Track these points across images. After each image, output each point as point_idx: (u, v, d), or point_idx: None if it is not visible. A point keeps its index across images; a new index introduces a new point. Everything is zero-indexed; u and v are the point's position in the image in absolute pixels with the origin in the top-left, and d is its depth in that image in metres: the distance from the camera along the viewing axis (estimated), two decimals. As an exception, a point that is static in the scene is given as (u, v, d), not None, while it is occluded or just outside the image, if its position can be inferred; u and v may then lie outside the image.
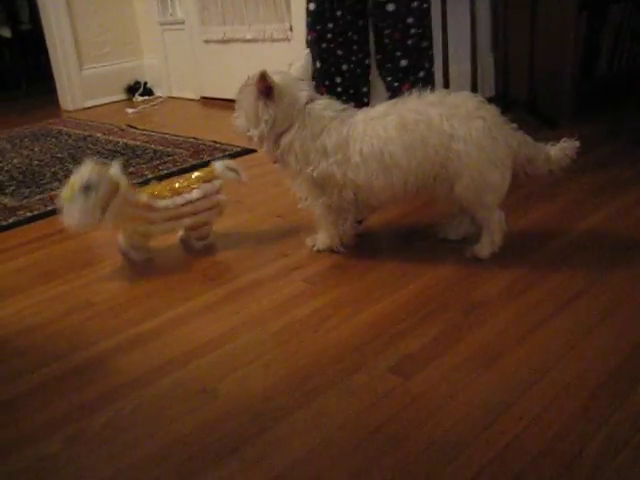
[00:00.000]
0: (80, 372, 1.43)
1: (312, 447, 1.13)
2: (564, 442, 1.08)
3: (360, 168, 1.65)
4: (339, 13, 2.16)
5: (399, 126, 1.62)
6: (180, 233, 2.01)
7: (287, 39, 3.65)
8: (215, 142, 3.17)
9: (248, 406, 1.26)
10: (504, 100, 3.10)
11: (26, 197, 2.67)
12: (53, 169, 3.05)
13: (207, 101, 4.25)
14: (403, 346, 1.39)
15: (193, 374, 1.38)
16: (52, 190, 2.71)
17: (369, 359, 1.36)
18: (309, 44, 2.22)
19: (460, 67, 3.04)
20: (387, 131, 1.63)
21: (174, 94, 4.63)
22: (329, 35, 2.17)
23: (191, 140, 3.28)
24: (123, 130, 3.73)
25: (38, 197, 2.65)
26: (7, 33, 5.33)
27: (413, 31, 2.12)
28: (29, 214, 2.46)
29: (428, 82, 2.19)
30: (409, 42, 2.12)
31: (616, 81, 3.38)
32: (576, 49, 3.00)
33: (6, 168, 3.15)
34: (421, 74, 2.19)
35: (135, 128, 3.74)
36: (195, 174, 1.94)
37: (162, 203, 1.85)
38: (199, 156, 2.97)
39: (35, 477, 1.14)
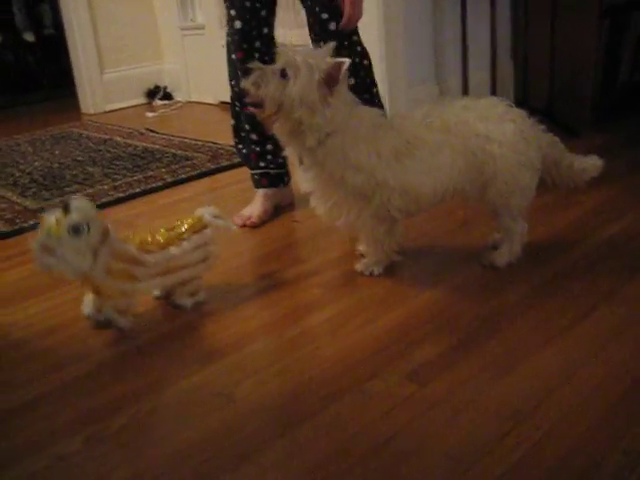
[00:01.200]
0: (98, 374, 1.44)
1: (328, 454, 1.13)
2: (582, 454, 1.08)
3: (410, 172, 1.61)
4: (266, 31, 2.10)
5: (443, 130, 1.62)
6: (156, 293, 1.74)
7: (308, 44, 3.66)
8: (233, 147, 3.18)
9: (264, 411, 1.26)
10: (523, 108, 3.09)
11: (46, 200, 2.70)
12: (74, 172, 3.08)
13: (226, 106, 4.25)
14: (420, 353, 1.39)
15: (210, 378, 1.39)
16: (72, 193, 2.74)
17: (385, 366, 1.36)
18: (234, 64, 2.13)
19: (479, 75, 3.03)
20: (433, 134, 1.61)
21: (193, 98, 4.65)
22: (256, 55, 2.07)
23: (210, 144, 3.29)
24: (143, 134, 3.76)
25: (58, 199, 2.68)
26: (31, 37, 5.39)
27: (359, 49, 2.08)
28: (49, 216, 2.48)
29: (374, 103, 2.12)
30: (356, 59, 2.06)
31: (637, 89, 3.35)
32: (597, 57, 2.98)
33: (27, 171, 3.18)
34: (366, 96, 2.10)
35: (155, 132, 3.77)
36: (183, 222, 1.69)
37: (152, 258, 1.59)
38: (218, 161, 2.98)
39: (56, 476, 1.16)
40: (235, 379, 1.37)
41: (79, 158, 3.35)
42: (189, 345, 1.53)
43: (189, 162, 3.03)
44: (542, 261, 1.76)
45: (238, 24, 2.06)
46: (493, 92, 2.87)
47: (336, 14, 1.96)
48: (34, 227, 2.35)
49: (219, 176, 2.80)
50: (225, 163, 2.92)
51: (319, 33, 2.03)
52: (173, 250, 1.62)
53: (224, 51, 2.17)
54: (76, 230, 1.45)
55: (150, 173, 2.91)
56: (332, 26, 1.99)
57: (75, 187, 2.82)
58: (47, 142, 3.81)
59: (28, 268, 2.05)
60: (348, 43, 2.02)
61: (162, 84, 4.84)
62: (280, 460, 1.13)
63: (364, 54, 2.11)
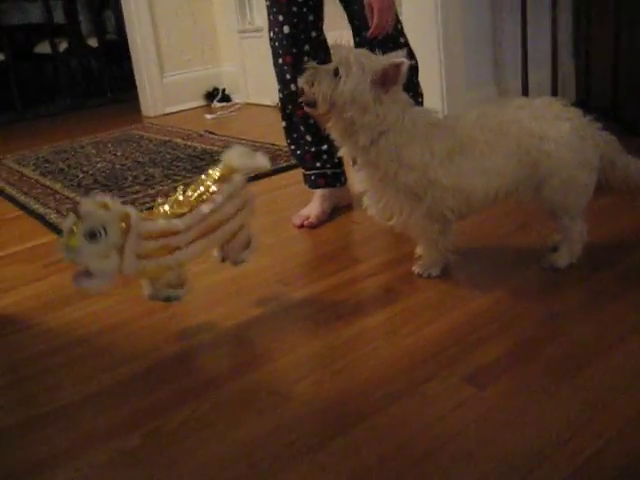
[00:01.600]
0: (157, 371, 1.47)
1: (383, 455, 1.13)
2: (646, 461, 1.05)
3: (463, 171, 1.60)
4: (314, 34, 2.12)
5: (497, 130, 1.60)
6: (215, 254, 1.71)
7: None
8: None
9: (321, 410, 1.27)
10: (585, 106, 3.02)
11: (109, 200, 2.76)
12: (134, 173, 3.15)
13: (283, 108, 4.30)
14: (478, 356, 1.38)
15: (266, 377, 1.40)
16: (134, 194, 2.80)
17: (443, 368, 1.35)
18: (282, 68, 2.15)
19: (539, 75, 2.98)
20: (486, 134, 1.60)
21: (251, 100, 4.70)
22: (305, 58, 2.08)
23: (268, 146, 3.32)
24: (202, 136, 3.82)
25: (120, 200, 2.73)
26: (94, 43, 5.53)
27: (402, 40, 2.08)
28: (112, 217, 2.54)
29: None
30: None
31: None
32: (663, 55, 2.90)
33: (90, 172, 3.26)
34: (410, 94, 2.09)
35: (213, 134, 3.82)
36: (209, 174, 1.60)
37: (183, 222, 1.51)
38: (276, 162, 3.00)
39: (116, 470, 1.19)
40: (291, 379, 1.38)
41: (140, 159, 3.42)
42: (246, 344, 1.54)
43: (247, 163, 3.05)
44: (604, 264, 1.71)
45: (286, 29, 2.09)
46: (554, 93, 2.81)
47: (367, 22, 1.96)
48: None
49: (277, 177, 2.82)
50: (284, 164, 2.94)
51: (359, 41, 2.08)
52: (204, 208, 1.54)
53: None
54: (92, 236, 1.36)
55: (209, 174, 2.95)
56: (366, 33, 1.98)
57: (136, 188, 2.89)
58: (109, 144, 3.91)
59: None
60: (393, 45, 1.98)
61: (221, 86, 4.90)
62: (335, 461, 1.13)
63: (411, 55, 2.09)
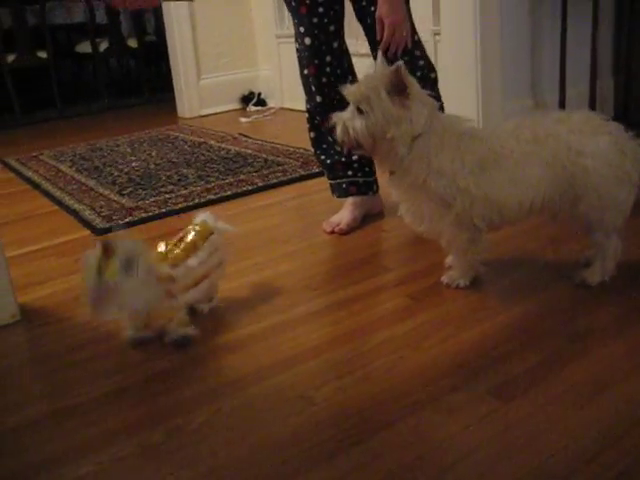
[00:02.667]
0: (182, 370, 1.48)
1: (404, 463, 1.12)
2: (672, 484, 1.03)
3: (495, 182, 1.59)
4: (335, 45, 2.10)
5: (532, 141, 1.59)
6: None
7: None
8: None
9: (345, 416, 1.26)
10: (624, 123, 2.99)
11: (142, 199, 2.79)
12: (168, 173, 3.18)
13: (318, 114, 4.31)
14: (504, 369, 1.36)
15: (292, 380, 1.41)
16: (167, 193, 2.83)
17: (468, 380, 1.34)
18: (307, 79, 2.15)
19: (576, 90, 2.95)
20: (521, 145, 1.59)
21: (286, 105, 4.72)
22: (328, 69, 2.10)
23: (301, 151, 3.33)
24: (236, 138, 3.84)
25: (153, 199, 2.77)
26: (134, 44, 5.60)
27: (421, 63, 2.06)
28: (144, 215, 2.57)
29: None
30: (418, 74, 2.01)
31: None
32: None
33: (125, 170, 3.30)
34: None
35: (247, 137, 3.84)
36: (190, 234, 1.66)
37: (179, 271, 1.57)
38: (308, 167, 3.01)
39: (138, 463, 1.20)
40: (316, 383, 1.38)
41: (174, 160, 3.45)
42: (273, 347, 1.55)
43: (280, 167, 3.07)
44: (637, 284, 1.69)
45: (308, 40, 2.07)
46: (592, 108, 2.78)
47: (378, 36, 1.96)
48: (129, 225, 2.46)
49: (309, 182, 2.83)
50: (316, 170, 2.94)
51: (375, 55, 2.00)
52: (191, 261, 1.60)
53: None
54: (130, 266, 1.38)
55: (242, 177, 2.97)
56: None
57: (170, 187, 2.91)
58: (145, 144, 3.95)
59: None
60: (409, 58, 1.99)
61: (256, 90, 4.93)
62: (355, 467, 1.13)
63: (429, 68, 2.08)
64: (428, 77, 2.06)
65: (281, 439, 1.22)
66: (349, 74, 2.16)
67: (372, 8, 1.98)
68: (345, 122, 1.61)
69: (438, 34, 3.23)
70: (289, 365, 1.46)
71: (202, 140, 3.88)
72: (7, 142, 4.46)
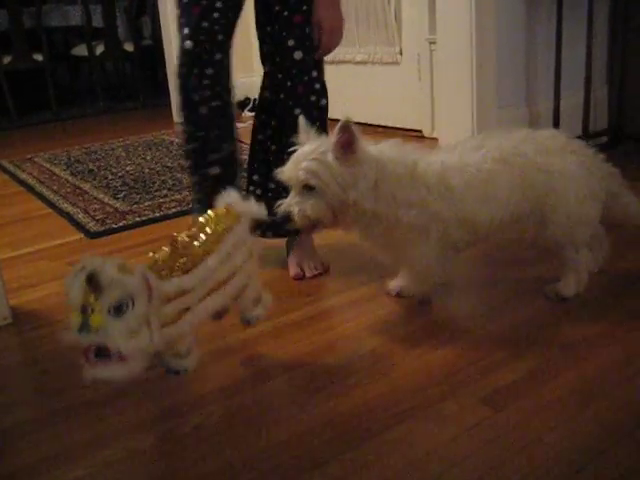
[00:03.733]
0: (172, 377, 1.47)
1: (395, 471, 1.12)
2: (662, 494, 1.03)
3: (465, 199, 1.55)
4: (218, 57, 1.83)
5: (500, 160, 1.56)
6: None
7: (396, 62, 3.67)
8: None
9: (336, 423, 1.26)
10: (617, 133, 3.00)
11: (136, 202, 2.79)
12: (163, 177, 3.18)
13: (313, 120, 4.31)
14: (495, 378, 1.37)
15: (284, 386, 1.41)
16: (161, 198, 2.82)
17: (460, 388, 1.34)
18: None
19: (571, 99, 2.96)
20: (488, 163, 1.56)
21: (282, 112, 4.73)
22: (206, 81, 1.81)
23: (295, 157, 3.33)
24: (231, 144, 3.84)
25: (147, 203, 2.77)
26: (130, 48, 5.60)
27: (317, 87, 1.91)
28: (138, 219, 2.57)
29: None
30: (312, 98, 1.90)
31: None
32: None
33: (120, 174, 3.30)
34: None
35: (242, 142, 3.84)
36: (208, 219, 1.39)
37: (191, 278, 1.28)
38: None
39: (128, 468, 1.20)
40: (307, 390, 1.38)
41: (169, 164, 3.45)
42: (266, 354, 1.54)
43: (274, 173, 3.07)
44: (625, 295, 1.69)
45: (189, 44, 1.79)
46: (586, 116, 2.80)
47: (303, 42, 1.84)
48: (123, 229, 2.46)
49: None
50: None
51: (278, 62, 1.89)
52: (211, 261, 1.31)
53: None
54: (119, 310, 1.11)
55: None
56: (298, 55, 1.84)
57: (164, 192, 2.91)
58: (140, 148, 3.95)
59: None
60: (308, 79, 1.87)
61: (252, 96, 4.93)
62: (345, 475, 1.13)
63: (322, 93, 1.93)
64: (318, 104, 1.92)
65: (272, 446, 1.22)
66: (226, 94, 1.88)
67: (285, 13, 1.84)
68: (299, 208, 1.48)
69: (434, 43, 3.25)
70: (281, 371, 1.46)
71: (197, 145, 3.88)
72: (2, 144, 4.46)
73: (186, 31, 1.80)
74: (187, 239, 1.33)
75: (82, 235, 2.47)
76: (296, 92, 1.88)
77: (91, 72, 6.02)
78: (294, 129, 1.72)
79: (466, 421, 1.23)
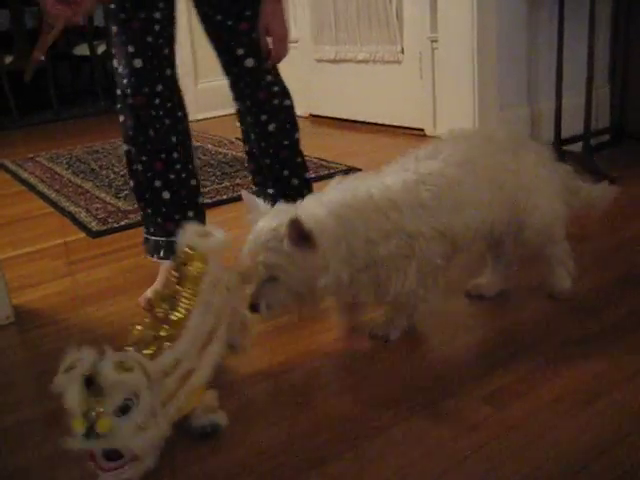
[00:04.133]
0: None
1: (396, 470, 1.12)
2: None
3: (437, 210, 1.43)
4: (168, 73, 1.78)
5: (462, 163, 1.48)
6: None
7: (398, 61, 3.67)
8: (321, 159, 3.22)
9: (336, 422, 1.27)
10: (619, 132, 3.00)
11: (138, 202, 2.79)
12: (164, 177, 3.18)
13: (315, 119, 4.31)
14: (497, 376, 1.36)
15: (285, 385, 1.41)
16: (162, 197, 2.82)
17: (461, 386, 1.34)
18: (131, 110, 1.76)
19: (573, 99, 2.96)
20: (450, 169, 1.47)
21: (284, 111, 4.72)
22: (157, 100, 1.75)
23: (297, 156, 3.33)
24: (232, 142, 3.84)
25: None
26: (40, 57, 5.52)
27: (276, 89, 1.93)
28: (139, 218, 2.57)
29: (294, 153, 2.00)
30: (275, 101, 1.92)
31: None
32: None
33: (122, 173, 3.30)
34: (286, 142, 1.97)
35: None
36: (182, 274, 1.27)
37: (184, 342, 1.20)
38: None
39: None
40: (311, 387, 1.39)
41: (171, 164, 3.45)
42: (268, 352, 1.54)
43: (276, 172, 3.07)
44: (623, 295, 1.68)
45: (138, 63, 1.70)
46: (588, 116, 2.79)
47: (253, 49, 1.83)
48: (126, 228, 2.46)
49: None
50: (313, 175, 2.94)
51: (234, 71, 1.89)
52: (194, 319, 1.22)
53: (316, 65, 2.12)
54: (125, 410, 1.06)
55: (238, 181, 2.97)
56: (249, 62, 1.84)
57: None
58: (141, 147, 3.94)
59: (117, 266, 2.13)
60: (265, 84, 1.89)
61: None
62: (347, 473, 1.13)
63: (284, 94, 1.95)
64: (282, 106, 1.94)
65: (274, 444, 1.22)
66: (179, 109, 1.85)
67: (229, 22, 1.81)
68: (265, 302, 1.37)
69: (435, 41, 3.24)
70: (284, 370, 1.47)
71: (199, 144, 3.88)
72: (3, 144, 4.46)
73: (131, 49, 1.70)
74: (163, 307, 1.24)
75: (84, 234, 2.47)
76: (258, 99, 1.90)
77: (93, 71, 6.02)
78: (267, 139, 1.87)
79: (468, 419, 1.23)
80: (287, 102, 1.96)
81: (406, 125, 3.67)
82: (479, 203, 1.48)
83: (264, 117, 1.91)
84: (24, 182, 3.34)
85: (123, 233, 2.44)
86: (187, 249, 1.30)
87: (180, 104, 1.84)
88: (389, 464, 1.14)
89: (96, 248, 2.33)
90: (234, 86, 1.94)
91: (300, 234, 1.30)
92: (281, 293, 1.37)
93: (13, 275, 2.03)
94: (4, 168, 3.67)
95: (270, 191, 2.02)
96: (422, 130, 3.57)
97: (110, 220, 2.58)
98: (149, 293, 1.81)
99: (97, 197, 2.93)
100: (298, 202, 1.43)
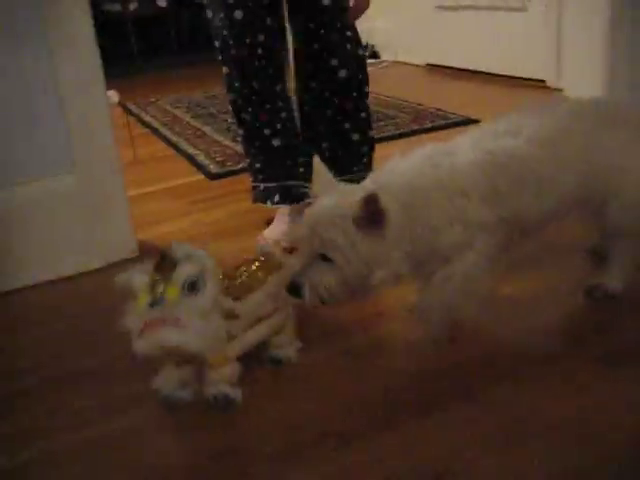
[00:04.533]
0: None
1: (501, 427, 1.11)
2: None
3: (511, 196, 1.27)
4: (269, 22, 1.76)
5: (546, 142, 1.29)
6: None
7: (524, 9, 3.52)
8: (439, 109, 3.16)
9: (322, 422, 1.17)
10: None
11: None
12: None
13: (433, 68, 4.23)
14: (610, 336, 1.32)
15: (308, 369, 1.33)
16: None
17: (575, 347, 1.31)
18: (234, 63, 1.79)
19: None
20: (532, 149, 1.28)
21: (400, 59, 4.65)
22: (260, 50, 1.76)
23: (414, 105, 3.29)
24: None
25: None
26: (163, 3, 5.50)
27: (349, 34, 1.85)
28: (256, 162, 2.63)
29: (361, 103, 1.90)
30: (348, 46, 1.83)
31: None
32: None
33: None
34: (355, 94, 1.87)
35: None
36: (253, 264, 1.30)
37: (244, 305, 1.21)
38: (421, 122, 2.98)
39: (42, 472, 1.14)
40: (333, 370, 1.32)
41: (286, 110, 3.49)
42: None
43: (392, 121, 3.05)
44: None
45: (238, 14, 1.72)
46: None
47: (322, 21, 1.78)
48: (242, 171, 2.51)
49: (422, 137, 2.80)
50: (428, 125, 2.90)
51: (306, 7, 1.79)
52: (259, 295, 1.24)
53: (436, 12, 2.05)
54: (193, 287, 1.06)
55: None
56: (326, 0, 1.77)
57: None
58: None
59: (235, 208, 2.19)
60: (340, 25, 1.81)
61: (370, 42, 4.88)
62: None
63: (359, 42, 1.87)
64: (355, 53, 1.85)
65: (291, 424, 1.16)
66: (284, 59, 1.85)
67: None
68: (311, 283, 1.20)
69: None
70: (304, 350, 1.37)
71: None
72: (128, 88, 4.62)
73: (230, 0, 1.72)
74: (235, 271, 1.28)
75: (203, 176, 2.55)
76: (330, 40, 1.81)
77: (212, 17, 6.10)
78: (333, 86, 1.80)
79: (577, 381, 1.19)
80: (361, 51, 1.90)
81: (527, 76, 3.54)
82: (562, 187, 1.30)
83: (335, 62, 1.82)
84: (147, 125, 3.46)
85: (240, 176, 2.50)
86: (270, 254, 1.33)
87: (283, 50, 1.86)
88: (486, 423, 1.12)
89: (214, 190, 2.41)
90: (304, 25, 1.82)
91: (373, 215, 1.15)
92: (332, 278, 1.19)
93: (138, 212, 2.12)
94: (128, 111, 3.82)
95: (324, 145, 1.91)
96: (543, 81, 3.43)
97: (228, 163, 2.65)
98: (266, 234, 1.87)
99: (215, 141, 3.01)
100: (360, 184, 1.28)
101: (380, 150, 2.67)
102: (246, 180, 2.42)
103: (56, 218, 1.79)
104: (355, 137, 1.92)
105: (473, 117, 2.92)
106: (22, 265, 1.78)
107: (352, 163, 1.94)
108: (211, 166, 2.63)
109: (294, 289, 1.21)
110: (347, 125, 1.90)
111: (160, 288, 1.06)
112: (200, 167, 2.65)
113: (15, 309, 1.70)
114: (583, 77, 2.87)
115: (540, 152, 1.28)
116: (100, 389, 1.31)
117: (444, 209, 1.24)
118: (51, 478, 1.12)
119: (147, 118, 3.60)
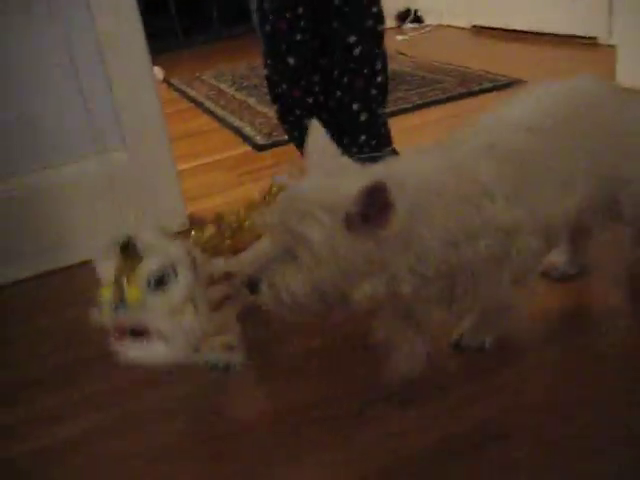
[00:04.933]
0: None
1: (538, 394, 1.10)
2: None
3: (535, 201, 1.06)
4: None
5: (556, 132, 1.10)
6: None
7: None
8: (486, 72, 3.09)
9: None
10: None
11: (300, 117, 2.84)
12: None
13: (478, 30, 4.13)
14: None
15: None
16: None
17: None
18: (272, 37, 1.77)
19: None
20: (546, 141, 1.09)
21: (444, 22, 4.56)
22: (303, 23, 1.73)
23: (460, 69, 3.22)
24: (392, 57, 3.78)
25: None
26: None
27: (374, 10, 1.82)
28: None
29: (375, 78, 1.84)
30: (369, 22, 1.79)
31: None
32: None
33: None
34: (366, 70, 1.82)
35: (404, 55, 3.77)
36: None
37: (241, 261, 1.09)
38: (468, 85, 2.92)
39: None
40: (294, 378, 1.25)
41: (330, 79, 3.46)
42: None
43: (439, 85, 2.99)
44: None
45: None
46: None
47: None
48: (289, 142, 2.51)
49: (468, 100, 2.75)
50: (476, 88, 2.85)
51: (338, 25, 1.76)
52: (262, 243, 1.04)
53: None
54: (161, 282, 0.93)
55: (399, 95, 2.93)
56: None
57: (326, 106, 2.93)
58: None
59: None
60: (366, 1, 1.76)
61: (413, 7, 4.80)
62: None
63: (379, 18, 1.81)
64: (375, 29, 1.82)
65: (308, 400, 1.14)
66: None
67: None
68: (273, 282, 0.95)
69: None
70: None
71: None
72: (171, 64, 4.65)
73: None
74: (234, 220, 1.16)
75: (250, 147, 2.56)
76: (349, 19, 1.76)
77: (253, -11, 6.08)
78: (346, 66, 1.75)
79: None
80: (381, 27, 1.84)
81: (577, 34, 3.44)
82: (579, 184, 1.10)
83: (353, 39, 1.77)
84: (192, 100, 3.48)
85: (287, 147, 2.48)
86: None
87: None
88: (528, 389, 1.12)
89: (262, 161, 2.41)
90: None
91: (375, 209, 0.90)
92: (297, 280, 0.94)
93: (188, 185, 2.13)
94: (173, 87, 3.84)
95: (324, 116, 1.84)
96: (594, 39, 3.33)
97: (274, 134, 2.64)
98: None
99: (260, 112, 3.01)
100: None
101: (428, 114, 2.66)
102: (293, 150, 2.42)
103: (108, 194, 1.81)
104: (362, 117, 1.86)
105: (521, 78, 2.86)
106: (72, 242, 1.79)
107: (356, 143, 1.87)
108: (257, 137, 2.63)
109: (250, 283, 0.97)
110: (355, 106, 1.84)
111: (123, 283, 0.93)
112: (247, 139, 2.65)
113: (59, 289, 1.68)
114: (636, 33, 2.77)
115: (551, 145, 1.10)
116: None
117: (466, 217, 1.00)
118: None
119: (192, 93, 3.62)
